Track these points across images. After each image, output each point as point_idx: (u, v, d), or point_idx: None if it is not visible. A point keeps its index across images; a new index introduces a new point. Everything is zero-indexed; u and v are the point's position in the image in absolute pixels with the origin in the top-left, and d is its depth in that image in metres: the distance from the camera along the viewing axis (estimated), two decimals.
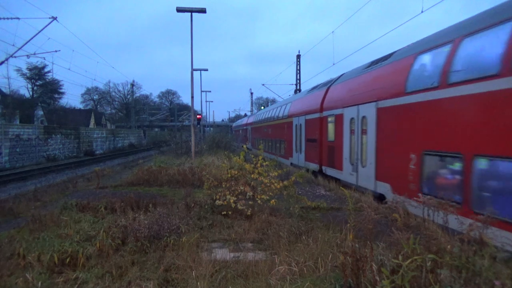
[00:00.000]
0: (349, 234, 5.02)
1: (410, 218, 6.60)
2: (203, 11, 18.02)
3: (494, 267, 3.13)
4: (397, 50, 10.18)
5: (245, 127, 41.12)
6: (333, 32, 23.80)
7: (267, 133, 26.94)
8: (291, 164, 19.24)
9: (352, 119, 11.58)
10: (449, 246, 3.37)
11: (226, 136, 33.52)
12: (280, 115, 22.49)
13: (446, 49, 7.23)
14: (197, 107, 61.37)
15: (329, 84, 15.26)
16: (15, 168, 23.80)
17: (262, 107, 60.40)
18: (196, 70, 30.94)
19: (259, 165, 7.81)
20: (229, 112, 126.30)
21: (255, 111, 67.99)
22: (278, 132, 22.96)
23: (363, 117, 10.71)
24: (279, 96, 47.18)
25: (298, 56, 38.70)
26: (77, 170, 23.30)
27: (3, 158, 24.00)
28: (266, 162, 7.98)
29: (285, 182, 7.68)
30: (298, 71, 38.73)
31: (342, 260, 3.65)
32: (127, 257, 4.86)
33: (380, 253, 4.09)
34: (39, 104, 54.30)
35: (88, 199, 8.31)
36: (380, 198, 9.45)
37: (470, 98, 6.44)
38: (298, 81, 38.64)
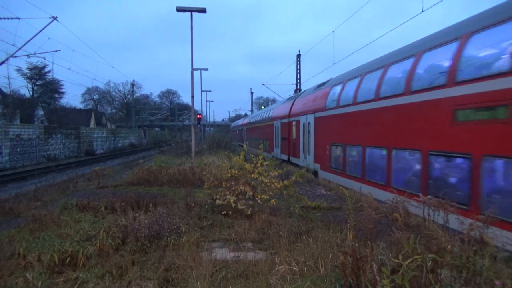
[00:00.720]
0: (349, 233, 5.02)
1: (410, 218, 6.59)
2: (203, 10, 18.01)
3: (494, 266, 3.13)
4: (329, 80, 16.00)
5: (241, 128, 47.24)
6: (333, 31, 23.75)
7: (257, 133, 33.09)
8: (272, 156, 23.30)
9: (304, 123, 17.43)
10: (449, 246, 3.37)
11: (226, 136, 33.55)
12: (266, 118, 28.56)
13: (339, 87, 13.39)
14: (197, 106, 61.46)
15: (295, 98, 21.83)
16: (16, 168, 23.82)
17: (262, 107, 60.50)
18: (196, 69, 30.96)
19: (259, 164, 7.80)
20: (229, 111, 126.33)
21: (255, 111, 68.10)
22: (264, 131, 28.70)
23: (309, 122, 16.51)
24: (279, 96, 47.36)
25: (298, 56, 38.70)
26: (77, 169, 23.32)
27: (4, 158, 24.02)
28: (267, 162, 7.98)
29: (285, 182, 7.68)
30: (298, 71, 38.72)
31: (342, 259, 3.65)
32: (127, 257, 4.86)
33: (380, 252, 4.08)
34: (40, 104, 54.33)
35: (88, 199, 8.31)
36: (315, 173, 15.15)
37: (350, 113, 11.95)
38: (298, 80, 38.63)
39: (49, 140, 30.06)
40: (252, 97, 74.82)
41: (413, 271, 3.04)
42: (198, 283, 3.96)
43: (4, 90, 44.99)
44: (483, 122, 6.29)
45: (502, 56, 6.13)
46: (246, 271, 4.36)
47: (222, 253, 5.20)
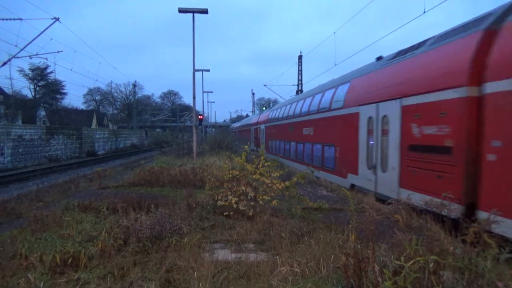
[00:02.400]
0: (351, 235, 5.00)
1: (412, 219, 6.58)
2: (205, 11, 18.03)
3: (497, 268, 3.12)
4: (273, 106, 30.90)
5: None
6: (334, 33, 23.73)
7: (243, 134, 42.26)
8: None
9: (262, 129, 29.64)
10: (451, 247, 3.36)
11: (227, 136, 33.57)
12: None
13: (276, 110, 24.68)
14: (198, 107, 61.53)
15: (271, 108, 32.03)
16: (17, 169, 23.88)
17: (264, 108, 60.14)
18: (198, 70, 30.99)
19: (260, 165, 7.80)
20: (230, 112, 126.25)
21: (256, 111, 67.87)
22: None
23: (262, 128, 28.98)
24: (281, 97, 47.27)
25: (300, 57, 38.73)
26: (79, 170, 23.36)
27: (6, 159, 24.09)
28: (268, 163, 7.98)
29: (287, 183, 7.67)
30: (300, 72, 38.74)
31: (344, 261, 3.64)
32: (129, 258, 4.86)
33: (382, 254, 4.08)
34: (41, 104, 54.53)
35: (90, 200, 8.32)
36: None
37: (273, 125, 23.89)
38: (300, 81, 38.64)
39: (51, 140, 30.13)
40: (253, 98, 74.85)
41: (415, 272, 3.03)
42: (200, 284, 3.96)
43: (6, 90, 45.17)
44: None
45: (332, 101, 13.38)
46: (247, 272, 4.36)
47: (224, 254, 5.20)
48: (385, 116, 9.27)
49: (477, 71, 6.36)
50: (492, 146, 5.82)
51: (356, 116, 11.02)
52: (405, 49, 9.62)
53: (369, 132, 10.17)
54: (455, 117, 6.74)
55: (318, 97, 15.68)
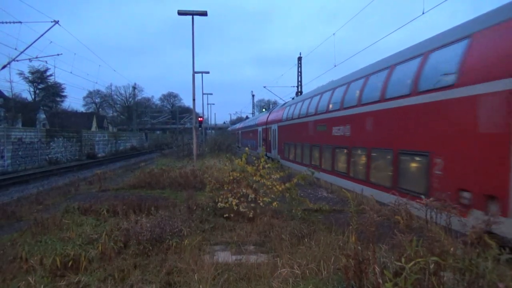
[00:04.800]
0: (351, 236, 5.01)
1: (412, 220, 6.57)
2: (204, 14, 18.06)
3: (497, 269, 3.12)
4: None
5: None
6: (334, 34, 23.79)
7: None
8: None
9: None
10: (452, 248, 3.36)
11: (228, 138, 33.57)
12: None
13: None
14: (198, 109, 61.59)
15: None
16: (18, 172, 23.87)
17: (264, 110, 60.08)
18: (198, 72, 31.01)
19: (261, 167, 7.80)
20: (230, 114, 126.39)
21: (256, 113, 67.82)
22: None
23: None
24: (281, 98, 47.28)
25: (299, 59, 38.79)
26: (79, 173, 23.33)
27: (6, 162, 24.07)
28: (268, 164, 7.98)
29: (287, 184, 7.67)
30: (299, 73, 38.79)
31: (344, 262, 3.64)
32: (129, 260, 4.86)
33: (382, 255, 4.07)
34: (41, 107, 54.57)
35: (90, 202, 8.32)
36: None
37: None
38: (299, 83, 38.69)
39: (51, 143, 30.13)
40: (253, 99, 74.81)
41: (415, 274, 3.03)
42: (200, 286, 3.96)
43: (6, 93, 45.24)
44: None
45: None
46: (248, 274, 4.35)
47: (224, 256, 5.19)
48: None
49: None
50: None
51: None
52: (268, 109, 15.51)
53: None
54: None
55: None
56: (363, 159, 10.73)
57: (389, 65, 9.74)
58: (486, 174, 5.93)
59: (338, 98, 13.07)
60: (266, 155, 24.59)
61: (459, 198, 6.31)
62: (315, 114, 15.41)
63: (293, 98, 28.29)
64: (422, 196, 6.15)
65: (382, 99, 9.57)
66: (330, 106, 13.86)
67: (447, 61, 7.35)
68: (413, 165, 8.38)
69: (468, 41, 6.81)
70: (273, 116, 26.24)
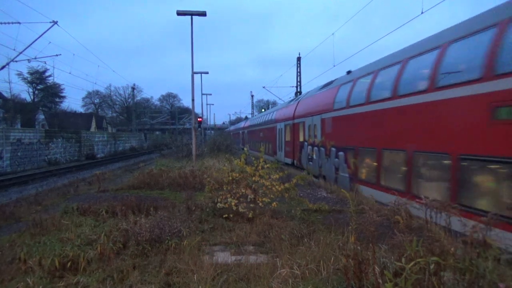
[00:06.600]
0: (351, 236, 5.00)
1: (412, 220, 6.56)
2: (203, 14, 18.06)
3: (498, 269, 3.11)
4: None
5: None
6: (333, 34, 23.80)
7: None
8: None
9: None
10: (452, 248, 3.35)
11: (227, 138, 33.52)
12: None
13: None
14: (197, 110, 61.57)
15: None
16: (17, 172, 23.83)
17: (263, 110, 60.41)
18: (197, 73, 31.02)
19: (260, 167, 7.79)
20: (229, 114, 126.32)
21: (256, 113, 68.11)
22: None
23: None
24: (280, 99, 47.37)
25: (299, 59, 38.81)
26: (78, 173, 23.34)
27: (5, 162, 24.04)
28: (268, 165, 7.97)
29: (286, 185, 7.66)
30: (298, 74, 38.80)
31: (344, 263, 3.63)
32: (128, 261, 4.84)
33: (382, 255, 4.06)
34: (40, 108, 54.49)
35: (89, 203, 8.29)
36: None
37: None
38: (298, 83, 38.71)
39: (50, 144, 30.09)
40: (252, 100, 74.78)
41: (416, 274, 3.02)
42: (200, 287, 3.95)
43: (5, 94, 45.20)
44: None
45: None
46: (247, 274, 4.34)
47: (224, 256, 5.18)
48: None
49: None
50: None
51: None
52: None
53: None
54: None
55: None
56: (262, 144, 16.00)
57: (267, 112, 16.41)
58: None
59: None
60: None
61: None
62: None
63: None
64: None
65: None
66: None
67: None
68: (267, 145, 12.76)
69: None
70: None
